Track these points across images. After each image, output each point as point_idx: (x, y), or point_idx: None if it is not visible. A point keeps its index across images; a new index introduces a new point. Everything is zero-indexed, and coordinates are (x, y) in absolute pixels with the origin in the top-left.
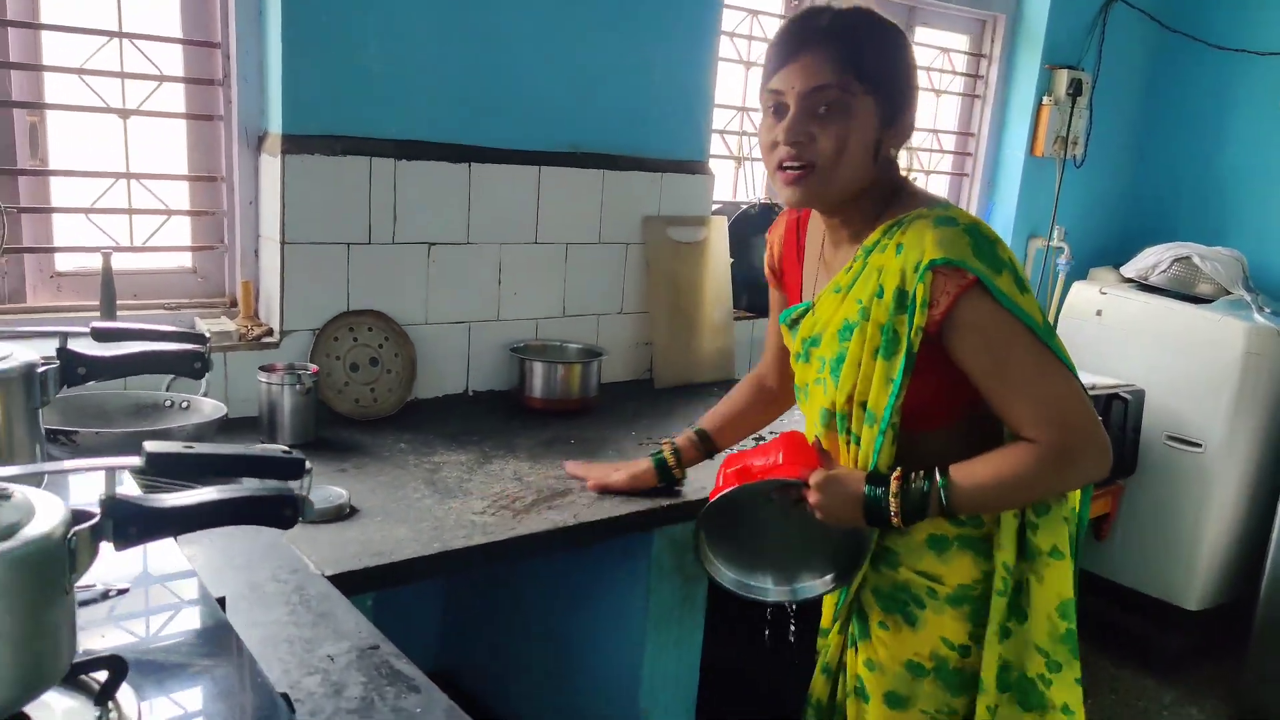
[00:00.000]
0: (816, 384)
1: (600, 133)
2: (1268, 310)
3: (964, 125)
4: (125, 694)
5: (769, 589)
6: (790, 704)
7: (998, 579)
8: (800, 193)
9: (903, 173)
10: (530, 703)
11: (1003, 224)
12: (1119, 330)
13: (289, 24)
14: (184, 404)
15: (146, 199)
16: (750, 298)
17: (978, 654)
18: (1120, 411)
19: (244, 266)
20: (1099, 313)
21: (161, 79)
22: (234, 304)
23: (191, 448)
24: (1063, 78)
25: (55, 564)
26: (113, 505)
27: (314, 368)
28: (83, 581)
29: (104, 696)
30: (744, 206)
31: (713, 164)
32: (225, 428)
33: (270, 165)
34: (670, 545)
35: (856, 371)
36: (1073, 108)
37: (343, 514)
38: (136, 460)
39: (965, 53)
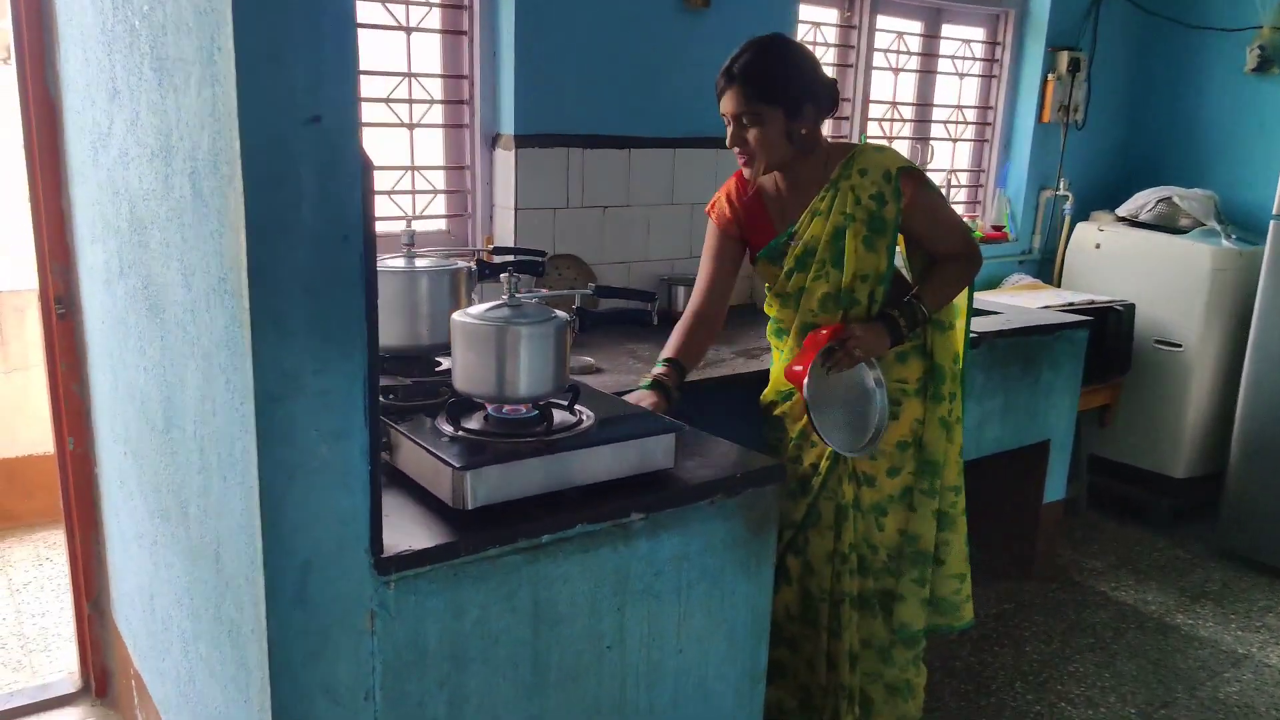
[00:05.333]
0: (817, 279)
1: (713, 122)
2: (1234, 237)
3: (983, 100)
4: (581, 407)
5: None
6: None
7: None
8: (750, 172)
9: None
10: None
11: (1017, 178)
12: (1114, 259)
13: (519, 62)
14: None
15: (421, 184)
16: None
17: (927, 420)
18: (1115, 320)
19: (483, 227)
20: (1098, 246)
21: (432, 102)
22: (474, 252)
23: (611, 287)
24: (1064, 58)
25: (565, 332)
26: (578, 311)
27: (545, 290)
28: None
29: (571, 405)
30: None
31: None
32: None
33: (504, 157)
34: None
35: (855, 257)
36: (1073, 81)
37: (591, 370)
38: (589, 291)
39: (982, 41)
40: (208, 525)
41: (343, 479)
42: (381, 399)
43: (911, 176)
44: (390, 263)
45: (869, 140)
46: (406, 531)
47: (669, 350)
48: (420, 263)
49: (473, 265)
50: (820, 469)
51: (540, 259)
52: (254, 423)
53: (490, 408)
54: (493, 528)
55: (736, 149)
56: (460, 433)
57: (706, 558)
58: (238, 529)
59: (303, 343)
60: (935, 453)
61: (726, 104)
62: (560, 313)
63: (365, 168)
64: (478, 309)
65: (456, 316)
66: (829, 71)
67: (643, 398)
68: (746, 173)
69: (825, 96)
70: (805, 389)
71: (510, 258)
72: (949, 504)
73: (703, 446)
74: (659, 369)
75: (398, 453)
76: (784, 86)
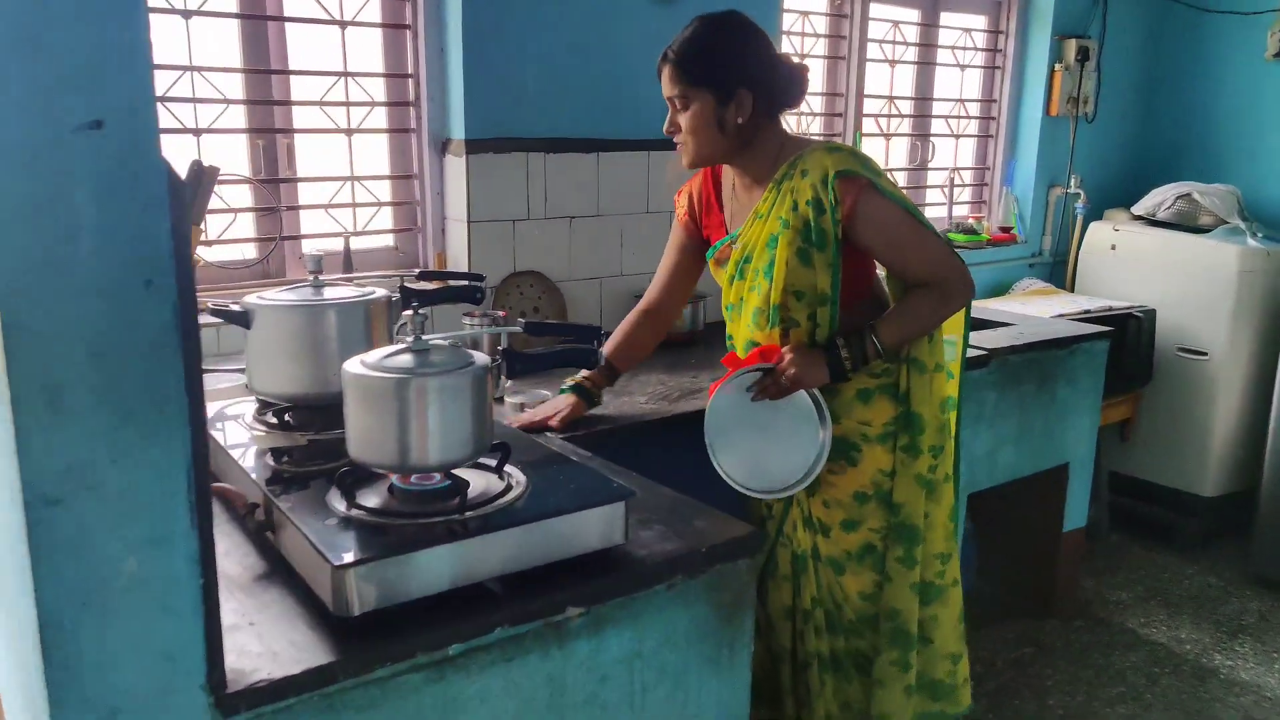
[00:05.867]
0: (751, 291)
1: None
2: (1260, 235)
3: (987, 93)
4: (513, 469)
5: (767, 488)
6: None
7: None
8: (684, 157)
9: (786, 127)
10: None
11: (1025, 176)
12: (1131, 260)
13: (468, 58)
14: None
15: (364, 195)
16: None
17: (898, 475)
18: (1135, 328)
19: (434, 242)
20: (1113, 247)
21: (373, 104)
22: (426, 269)
23: (544, 323)
24: (1071, 46)
25: (485, 381)
26: (506, 353)
27: (504, 312)
28: None
29: (499, 468)
30: None
31: None
32: None
33: (455, 164)
34: None
35: (785, 268)
36: (1082, 71)
37: None
38: (518, 328)
39: (984, 30)
40: (22, 644)
41: (162, 599)
42: (273, 463)
43: (853, 183)
44: (294, 293)
45: (864, 136)
46: (271, 648)
47: (606, 349)
48: (329, 293)
49: (394, 294)
50: (774, 511)
51: (479, 283)
52: (24, 534)
53: (395, 477)
54: (385, 640)
55: (674, 135)
56: (354, 512)
57: (665, 654)
58: (32, 664)
59: (91, 425)
60: (911, 516)
61: (663, 85)
62: (479, 356)
63: (173, 188)
64: (374, 355)
65: (347, 366)
66: (820, 63)
67: (559, 403)
68: (682, 161)
69: (777, 85)
70: (706, 413)
71: (455, 283)
72: (934, 573)
73: (661, 508)
74: (587, 371)
75: (281, 535)
76: (715, 68)
